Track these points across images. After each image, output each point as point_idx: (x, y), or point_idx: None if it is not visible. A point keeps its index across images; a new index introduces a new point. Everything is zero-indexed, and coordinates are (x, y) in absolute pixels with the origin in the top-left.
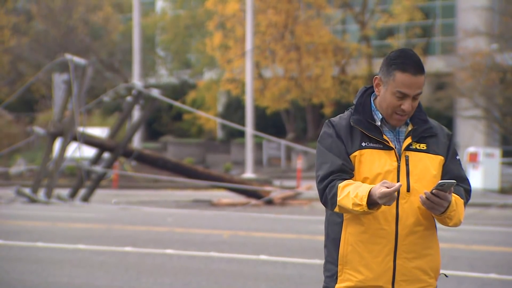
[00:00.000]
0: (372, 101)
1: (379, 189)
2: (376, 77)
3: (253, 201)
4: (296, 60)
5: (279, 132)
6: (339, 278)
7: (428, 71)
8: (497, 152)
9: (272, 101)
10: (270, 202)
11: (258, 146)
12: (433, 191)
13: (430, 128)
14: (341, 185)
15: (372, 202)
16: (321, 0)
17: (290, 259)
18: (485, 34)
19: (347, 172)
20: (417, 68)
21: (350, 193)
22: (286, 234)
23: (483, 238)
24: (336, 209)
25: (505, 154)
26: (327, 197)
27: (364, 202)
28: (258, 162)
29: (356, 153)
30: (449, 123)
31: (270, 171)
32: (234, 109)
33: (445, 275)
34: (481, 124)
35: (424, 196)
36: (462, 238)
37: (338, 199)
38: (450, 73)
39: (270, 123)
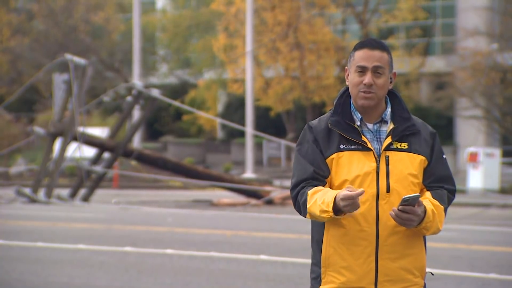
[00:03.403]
0: (351, 101)
1: (342, 191)
2: (345, 68)
3: (253, 201)
4: (298, 58)
5: (279, 132)
6: (322, 280)
7: (428, 71)
8: (497, 152)
9: (275, 101)
10: (270, 202)
11: (258, 146)
12: (399, 207)
13: (412, 126)
14: (310, 192)
15: (339, 208)
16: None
17: (290, 259)
18: (485, 34)
19: (318, 179)
20: (374, 43)
21: (317, 200)
22: (286, 234)
23: (483, 238)
24: (308, 216)
25: (505, 154)
26: (299, 204)
27: (330, 208)
28: (258, 162)
29: (334, 155)
30: (449, 123)
31: (270, 171)
32: (234, 109)
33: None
34: (481, 124)
35: (393, 213)
36: (462, 238)
37: (307, 206)
38: (450, 73)
39: (270, 123)
